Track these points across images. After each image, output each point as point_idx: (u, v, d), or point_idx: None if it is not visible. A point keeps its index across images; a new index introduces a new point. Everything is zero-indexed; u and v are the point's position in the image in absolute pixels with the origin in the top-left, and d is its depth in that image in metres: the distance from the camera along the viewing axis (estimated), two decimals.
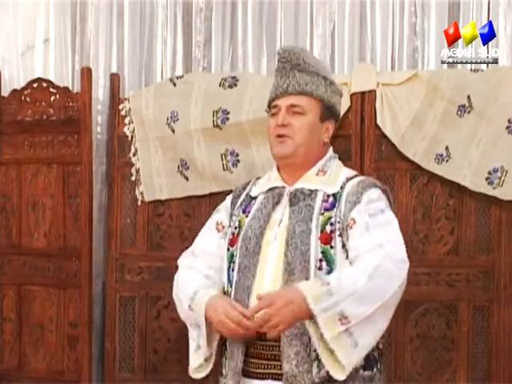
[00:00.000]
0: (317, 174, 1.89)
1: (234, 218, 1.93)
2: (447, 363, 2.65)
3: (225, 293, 1.88)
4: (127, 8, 3.02)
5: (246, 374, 1.79)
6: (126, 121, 2.85)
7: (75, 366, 2.84)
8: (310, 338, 1.69)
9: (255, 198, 1.93)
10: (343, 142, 2.67)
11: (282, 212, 1.84)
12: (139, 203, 2.85)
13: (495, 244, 2.63)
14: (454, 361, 2.65)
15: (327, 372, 1.68)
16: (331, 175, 1.89)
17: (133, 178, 2.86)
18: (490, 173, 2.57)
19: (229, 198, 2.01)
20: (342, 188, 1.84)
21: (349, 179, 1.88)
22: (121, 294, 2.85)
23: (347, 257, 1.77)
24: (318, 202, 1.82)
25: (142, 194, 2.84)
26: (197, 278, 1.88)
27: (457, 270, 2.65)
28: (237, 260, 1.84)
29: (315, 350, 1.69)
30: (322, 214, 1.80)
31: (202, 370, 1.85)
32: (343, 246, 1.77)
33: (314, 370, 1.70)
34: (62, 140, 2.88)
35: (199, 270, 1.91)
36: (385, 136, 2.63)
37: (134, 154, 2.85)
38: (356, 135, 2.66)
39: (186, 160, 2.77)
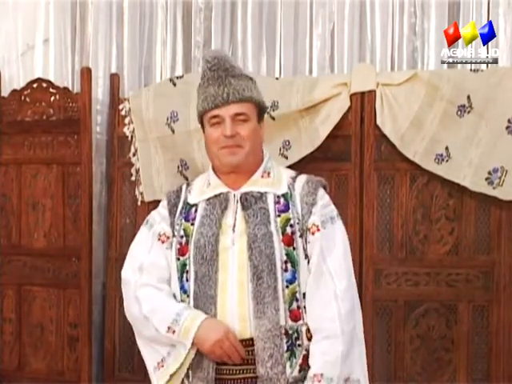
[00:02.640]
0: (262, 177, 1.89)
1: (176, 227, 1.89)
2: (447, 363, 2.66)
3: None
4: (127, 8, 3.03)
5: (216, 381, 1.79)
6: (126, 121, 2.85)
7: (75, 366, 2.85)
8: (281, 339, 1.74)
9: (194, 205, 1.90)
10: (343, 142, 2.67)
11: (233, 216, 1.83)
12: (139, 203, 2.85)
13: (495, 244, 2.64)
14: (454, 361, 2.65)
15: (299, 371, 1.76)
16: (275, 176, 1.90)
17: (133, 179, 2.86)
18: (489, 173, 2.56)
19: (164, 208, 1.95)
20: (289, 188, 1.87)
21: (293, 178, 1.90)
22: (120, 295, 2.79)
23: (306, 256, 1.82)
24: (270, 205, 1.83)
25: (141, 194, 2.84)
26: (167, 298, 1.85)
27: (457, 270, 2.65)
28: (191, 269, 1.82)
29: (287, 351, 1.75)
30: (279, 215, 1.82)
31: None
32: (303, 246, 1.82)
33: (288, 370, 1.75)
34: (61, 140, 2.88)
35: (158, 286, 1.87)
36: (385, 136, 2.62)
37: (134, 155, 2.85)
38: (356, 135, 2.66)
39: (186, 160, 2.77)
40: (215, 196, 1.87)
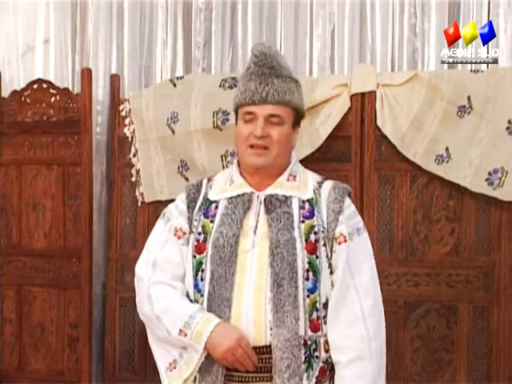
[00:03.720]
0: (287, 180, 1.84)
1: (195, 222, 1.83)
2: (447, 364, 2.66)
3: (190, 301, 1.81)
4: (127, 9, 3.03)
5: None
6: (126, 121, 2.85)
7: (75, 366, 2.85)
8: (300, 350, 1.70)
9: (215, 201, 1.85)
10: (343, 142, 2.68)
11: (256, 218, 1.79)
12: (139, 204, 2.86)
13: (495, 245, 2.64)
14: (454, 361, 2.65)
15: (315, 383, 1.72)
16: (301, 180, 1.85)
17: (133, 179, 2.86)
18: (490, 173, 2.57)
19: (182, 202, 1.88)
20: (315, 193, 1.82)
21: (319, 183, 1.86)
22: (121, 295, 2.86)
23: (329, 266, 1.78)
24: (295, 209, 1.79)
25: (142, 194, 2.84)
26: (181, 298, 1.80)
27: (457, 270, 2.65)
28: (207, 268, 1.77)
29: (304, 362, 1.70)
30: (303, 221, 1.77)
31: None
32: (327, 255, 1.77)
33: (304, 382, 1.71)
34: (62, 141, 2.88)
35: (172, 284, 1.82)
36: (385, 137, 2.62)
37: (134, 155, 2.85)
38: (356, 136, 2.66)
39: (187, 161, 2.77)
40: (238, 195, 1.83)
